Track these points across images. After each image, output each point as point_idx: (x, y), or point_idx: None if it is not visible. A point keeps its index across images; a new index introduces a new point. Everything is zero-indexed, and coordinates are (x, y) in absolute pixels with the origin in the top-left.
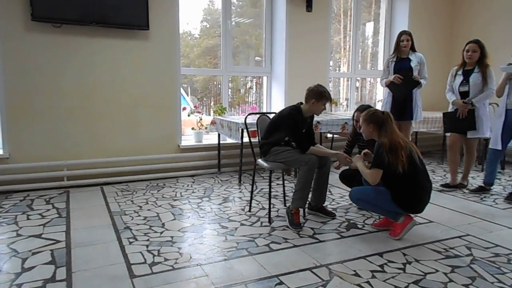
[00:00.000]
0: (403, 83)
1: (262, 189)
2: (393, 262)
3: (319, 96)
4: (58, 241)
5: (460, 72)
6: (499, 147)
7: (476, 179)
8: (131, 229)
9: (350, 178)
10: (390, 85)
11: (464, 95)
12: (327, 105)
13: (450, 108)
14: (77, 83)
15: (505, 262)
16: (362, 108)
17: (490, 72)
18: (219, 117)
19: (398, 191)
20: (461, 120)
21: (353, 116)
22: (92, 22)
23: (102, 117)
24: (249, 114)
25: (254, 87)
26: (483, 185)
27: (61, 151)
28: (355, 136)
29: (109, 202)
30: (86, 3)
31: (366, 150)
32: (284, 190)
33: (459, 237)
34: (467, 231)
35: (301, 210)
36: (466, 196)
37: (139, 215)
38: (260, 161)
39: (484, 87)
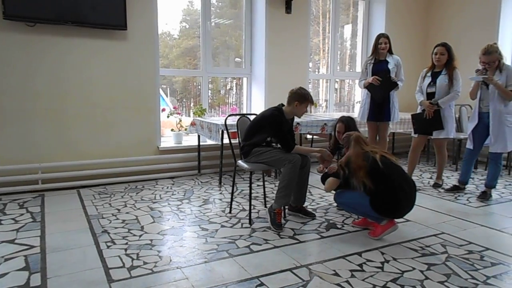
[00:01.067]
0: (382, 84)
1: (242, 190)
2: (371, 261)
3: (302, 98)
4: (32, 247)
5: (429, 74)
6: (472, 147)
7: (450, 178)
8: (109, 233)
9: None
10: (368, 87)
11: (431, 95)
12: (308, 107)
13: (418, 109)
14: (52, 84)
15: (478, 259)
16: (344, 119)
17: (457, 75)
18: (199, 118)
19: (377, 198)
20: (428, 121)
21: (335, 127)
22: (68, 21)
23: (78, 118)
24: (229, 116)
25: (234, 88)
26: (458, 184)
27: (35, 153)
28: (336, 145)
29: (86, 206)
30: (61, 2)
31: None
32: (264, 191)
33: (435, 235)
34: (442, 230)
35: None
36: (441, 195)
37: (117, 218)
38: (240, 162)
39: (451, 89)
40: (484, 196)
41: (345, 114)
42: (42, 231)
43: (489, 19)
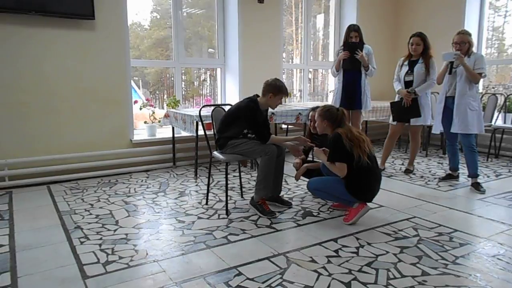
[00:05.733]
0: (351, 56)
1: (218, 181)
2: (347, 246)
3: (277, 90)
4: (0, 245)
5: (406, 63)
6: (438, 131)
7: (421, 164)
8: (82, 229)
9: (308, 172)
10: (343, 64)
11: (409, 84)
12: (282, 99)
13: (396, 98)
14: (17, 77)
15: (447, 240)
16: (316, 108)
17: (433, 64)
18: (172, 110)
19: (352, 181)
20: (406, 109)
21: (308, 116)
22: (31, 10)
23: (45, 112)
24: (203, 106)
25: (208, 79)
26: (450, 172)
27: (1, 149)
28: (311, 136)
29: (57, 202)
30: None
31: (324, 148)
32: (240, 182)
33: (407, 219)
34: (414, 214)
35: None
36: (412, 181)
37: (91, 214)
38: (216, 153)
39: (427, 77)
40: (477, 187)
41: (318, 103)
42: (10, 229)
43: (455, 4)
